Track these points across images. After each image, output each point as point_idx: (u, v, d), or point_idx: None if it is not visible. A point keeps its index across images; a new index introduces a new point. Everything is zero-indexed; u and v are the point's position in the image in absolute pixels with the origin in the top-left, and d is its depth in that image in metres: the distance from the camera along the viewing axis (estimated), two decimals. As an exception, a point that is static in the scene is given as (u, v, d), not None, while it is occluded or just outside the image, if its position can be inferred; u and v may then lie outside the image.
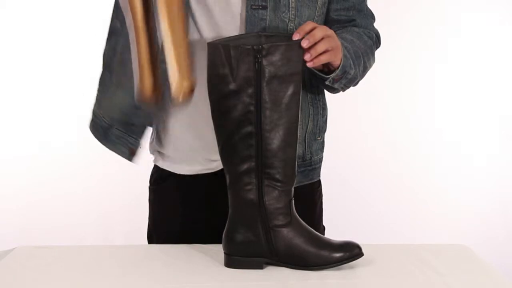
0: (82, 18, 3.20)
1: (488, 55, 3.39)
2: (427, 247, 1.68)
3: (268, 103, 1.45)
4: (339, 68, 1.58)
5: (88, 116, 1.89)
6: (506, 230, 3.43)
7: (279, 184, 1.49)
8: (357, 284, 1.45)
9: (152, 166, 1.86)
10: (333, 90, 1.75)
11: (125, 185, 3.16)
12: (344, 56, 1.58)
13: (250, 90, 1.44)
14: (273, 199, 1.49)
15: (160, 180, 1.83)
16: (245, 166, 1.48)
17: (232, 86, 1.45)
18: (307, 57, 1.48)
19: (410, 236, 3.22)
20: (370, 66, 1.77)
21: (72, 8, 3.20)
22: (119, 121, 1.75)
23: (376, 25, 1.83)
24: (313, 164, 1.80)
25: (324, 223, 1.91)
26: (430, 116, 3.42)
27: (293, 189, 1.52)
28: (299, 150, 1.73)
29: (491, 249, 3.16)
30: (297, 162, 1.73)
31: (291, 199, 1.51)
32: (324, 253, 1.48)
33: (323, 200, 1.94)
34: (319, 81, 1.67)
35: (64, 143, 3.30)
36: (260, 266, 1.50)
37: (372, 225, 3.29)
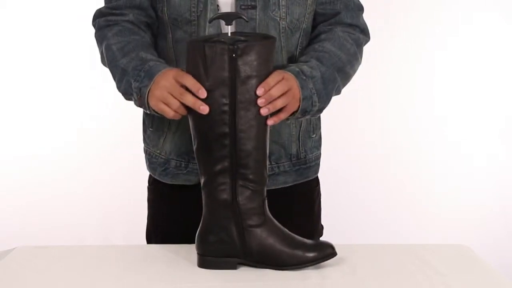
0: (83, 18, 3.18)
1: (488, 55, 3.40)
2: (427, 247, 1.69)
3: (243, 103, 1.45)
4: (298, 111, 1.58)
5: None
6: (506, 230, 3.44)
7: (252, 184, 1.49)
8: (357, 284, 1.45)
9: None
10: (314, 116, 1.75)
11: (124, 185, 3.16)
12: (304, 98, 1.57)
13: (224, 90, 1.45)
14: (246, 199, 1.49)
15: (158, 180, 1.83)
16: (219, 166, 1.49)
17: (206, 85, 1.45)
18: (269, 122, 1.49)
19: (410, 236, 3.23)
20: (355, 71, 1.75)
21: (73, 8, 3.20)
22: (177, 153, 1.74)
23: (375, 25, 1.83)
24: (308, 163, 1.80)
25: (323, 222, 1.91)
26: (430, 115, 3.43)
27: (265, 189, 1.52)
28: (293, 149, 1.75)
29: (491, 249, 3.17)
30: (292, 161, 1.75)
31: (264, 199, 1.51)
32: (298, 252, 1.48)
33: (322, 199, 1.93)
34: None
35: (64, 143, 3.31)
36: (233, 267, 1.50)
37: (372, 225, 3.30)
